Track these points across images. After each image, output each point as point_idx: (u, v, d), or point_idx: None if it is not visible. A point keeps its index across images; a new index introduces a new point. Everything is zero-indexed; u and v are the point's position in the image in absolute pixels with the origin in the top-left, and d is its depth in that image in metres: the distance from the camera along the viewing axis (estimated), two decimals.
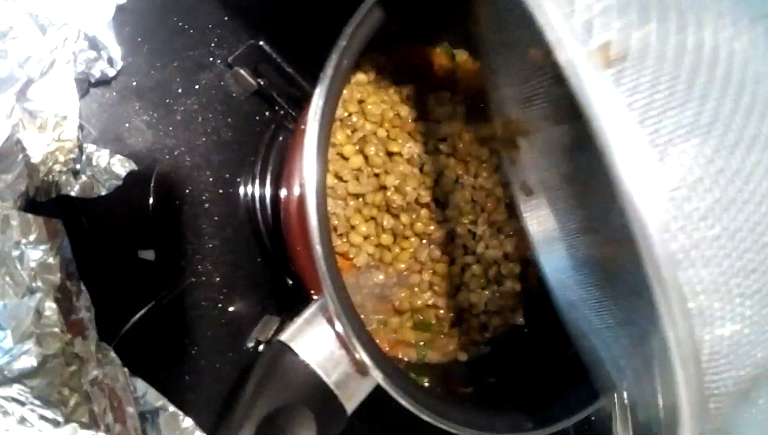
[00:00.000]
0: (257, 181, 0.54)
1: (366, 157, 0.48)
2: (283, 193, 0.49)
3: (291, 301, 0.55)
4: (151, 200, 0.51)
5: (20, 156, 0.42)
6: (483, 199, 0.50)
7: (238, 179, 0.54)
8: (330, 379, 0.38)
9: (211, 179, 0.53)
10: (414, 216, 0.48)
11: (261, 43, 0.52)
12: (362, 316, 0.46)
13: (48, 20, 0.44)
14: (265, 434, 0.36)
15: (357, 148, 0.48)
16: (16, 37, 0.44)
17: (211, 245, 0.53)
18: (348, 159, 0.48)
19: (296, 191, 0.41)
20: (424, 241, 0.49)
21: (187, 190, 0.52)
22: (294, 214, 0.42)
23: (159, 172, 0.52)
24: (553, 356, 0.48)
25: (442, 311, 0.50)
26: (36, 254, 0.41)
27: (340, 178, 0.48)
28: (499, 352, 0.51)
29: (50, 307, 0.41)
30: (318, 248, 0.35)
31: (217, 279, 0.53)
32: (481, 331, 0.52)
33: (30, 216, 0.41)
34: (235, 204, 0.54)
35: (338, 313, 0.36)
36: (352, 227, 0.48)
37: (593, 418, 0.63)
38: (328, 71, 0.35)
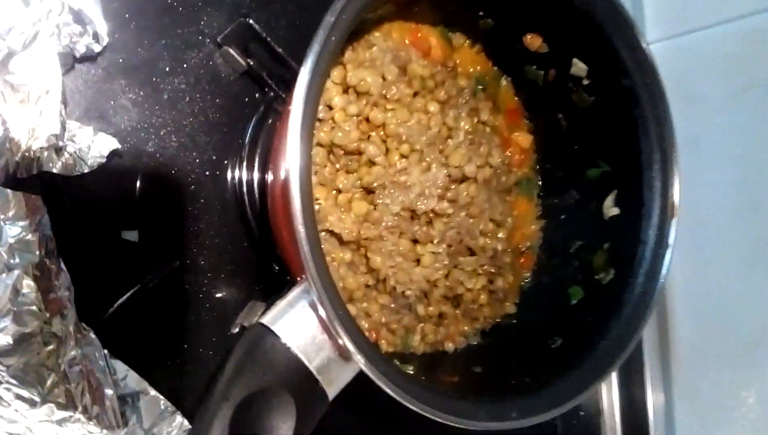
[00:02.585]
0: (245, 164, 0.53)
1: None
2: (269, 176, 0.48)
3: (277, 287, 0.54)
4: (138, 183, 0.50)
5: (1, 130, 0.41)
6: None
7: (226, 162, 0.53)
8: (311, 364, 0.37)
9: (197, 161, 0.52)
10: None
11: (251, 21, 0.51)
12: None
13: None
14: (242, 417, 0.35)
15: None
16: None
17: (196, 228, 0.52)
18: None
19: (282, 174, 0.40)
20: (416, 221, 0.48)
21: (173, 171, 0.51)
22: (279, 197, 0.41)
23: (144, 151, 0.51)
24: (541, 349, 0.47)
25: (432, 299, 0.49)
26: (14, 230, 0.40)
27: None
28: (486, 342, 0.51)
29: (28, 285, 0.40)
30: (301, 229, 0.34)
31: (202, 263, 0.52)
32: (471, 322, 0.51)
33: (9, 191, 0.40)
34: (222, 187, 0.53)
35: (321, 297, 0.35)
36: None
37: (582, 413, 0.62)
38: (315, 47, 0.34)
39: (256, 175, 0.53)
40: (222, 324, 0.52)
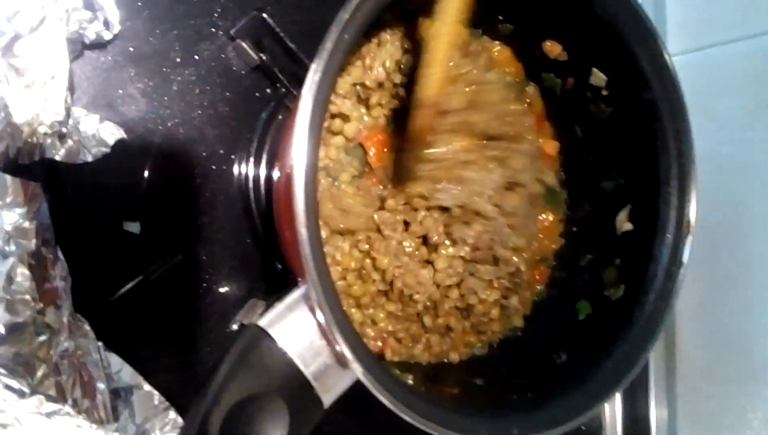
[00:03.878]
0: (252, 160, 0.52)
1: None
2: (275, 173, 0.47)
3: (279, 286, 0.53)
4: (143, 174, 0.50)
5: (2, 114, 0.40)
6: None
7: (233, 156, 0.52)
8: (308, 370, 0.36)
9: (204, 154, 0.51)
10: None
11: (265, 15, 0.50)
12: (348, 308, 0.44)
13: None
14: (234, 422, 0.34)
15: None
16: None
17: (200, 222, 0.52)
18: None
19: (287, 172, 0.39)
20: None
21: (179, 164, 0.51)
22: (283, 196, 0.40)
23: (151, 142, 0.50)
24: (545, 364, 0.46)
25: (441, 309, 0.48)
26: (11, 217, 0.39)
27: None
28: (491, 354, 0.49)
29: (22, 274, 0.39)
30: (303, 231, 0.33)
31: (204, 258, 0.52)
32: (478, 335, 0.50)
33: (7, 177, 0.39)
34: (228, 181, 0.52)
35: (320, 301, 0.34)
36: None
37: (583, 428, 0.61)
38: (328, 45, 0.33)
39: (263, 172, 0.52)
40: (222, 320, 0.52)
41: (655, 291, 0.43)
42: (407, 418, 0.36)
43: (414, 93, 0.42)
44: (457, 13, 0.41)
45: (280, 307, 0.37)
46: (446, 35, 0.41)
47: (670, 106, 0.43)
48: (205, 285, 0.52)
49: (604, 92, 0.46)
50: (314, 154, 0.33)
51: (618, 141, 0.47)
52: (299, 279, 0.41)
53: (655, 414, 0.63)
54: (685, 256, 0.43)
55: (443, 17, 0.41)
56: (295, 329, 0.36)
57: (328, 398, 0.37)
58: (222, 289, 0.52)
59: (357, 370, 0.35)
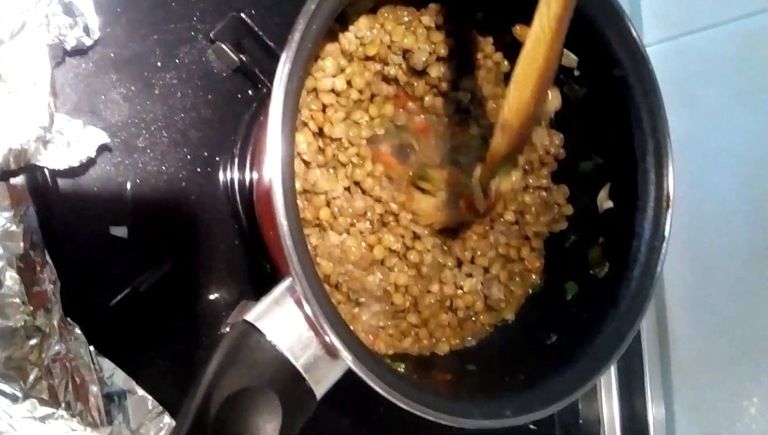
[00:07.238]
0: (236, 162, 0.52)
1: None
2: (255, 174, 0.47)
3: (268, 288, 0.53)
4: (128, 179, 0.50)
5: None
6: None
7: (217, 158, 0.53)
8: (298, 362, 0.36)
9: (189, 157, 0.52)
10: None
11: (243, 16, 0.50)
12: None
13: None
14: (226, 417, 0.34)
15: None
16: None
17: (187, 226, 0.52)
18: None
19: (264, 170, 0.40)
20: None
21: (164, 168, 0.51)
22: (263, 194, 0.40)
23: (135, 147, 0.50)
24: (536, 345, 0.46)
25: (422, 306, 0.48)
26: None
27: None
28: (481, 341, 0.49)
29: (11, 277, 0.39)
30: (283, 222, 0.33)
31: (193, 261, 0.52)
32: (465, 328, 0.50)
33: None
34: (214, 184, 0.53)
35: (306, 292, 0.34)
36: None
37: (581, 421, 0.61)
38: (296, 36, 0.33)
39: (247, 173, 0.52)
40: (213, 323, 0.52)
41: (639, 266, 0.44)
42: (400, 404, 0.36)
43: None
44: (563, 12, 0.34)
45: (267, 300, 0.37)
46: (546, 44, 0.35)
47: (641, 83, 0.44)
48: (194, 288, 0.52)
49: (576, 72, 0.47)
50: (290, 144, 0.34)
51: (593, 121, 0.48)
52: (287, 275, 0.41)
53: (652, 407, 0.63)
54: (667, 230, 0.44)
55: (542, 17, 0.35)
56: (283, 322, 0.36)
57: (320, 389, 0.37)
58: (212, 292, 0.52)
59: (347, 359, 0.35)
